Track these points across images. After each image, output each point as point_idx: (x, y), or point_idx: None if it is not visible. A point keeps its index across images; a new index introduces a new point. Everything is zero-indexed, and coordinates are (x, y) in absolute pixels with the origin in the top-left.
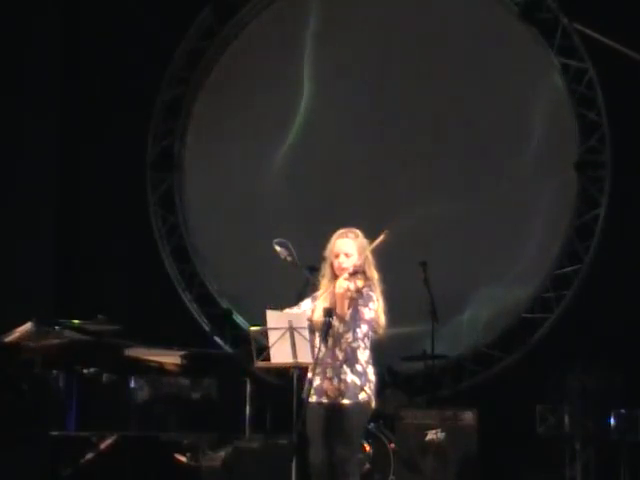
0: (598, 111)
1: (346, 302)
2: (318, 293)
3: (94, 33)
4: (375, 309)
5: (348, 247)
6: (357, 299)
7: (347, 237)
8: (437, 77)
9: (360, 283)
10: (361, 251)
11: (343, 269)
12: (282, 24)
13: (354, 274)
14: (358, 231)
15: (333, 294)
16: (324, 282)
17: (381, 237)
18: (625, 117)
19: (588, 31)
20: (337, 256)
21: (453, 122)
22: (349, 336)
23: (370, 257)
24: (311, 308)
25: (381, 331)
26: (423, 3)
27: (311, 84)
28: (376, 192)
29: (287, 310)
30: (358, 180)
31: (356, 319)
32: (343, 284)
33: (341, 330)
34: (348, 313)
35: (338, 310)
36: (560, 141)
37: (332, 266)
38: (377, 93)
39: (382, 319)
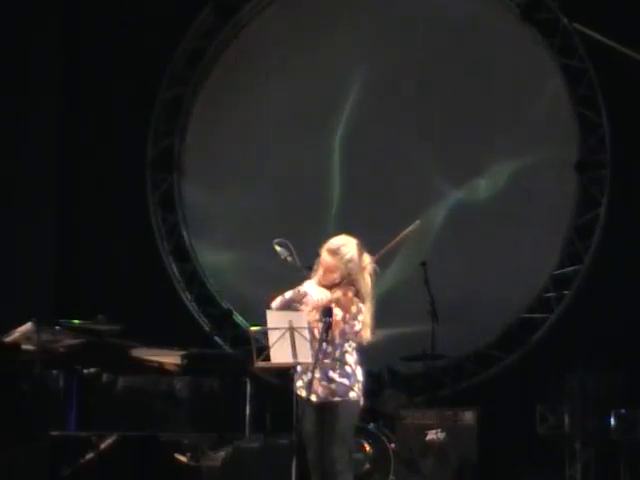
0: (598, 111)
1: (337, 328)
2: (302, 288)
3: (94, 33)
4: (362, 320)
5: (331, 265)
6: (350, 319)
7: (334, 255)
8: (437, 77)
9: (354, 308)
10: (344, 271)
11: (325, 280)
12: (282, 24)
13: (343, 287)
14: (352, 245)
15: (330, 302)
16: (316, 278)
17: (411, 227)
18: (625, 117)
19: (588, 31)
20: (320, 267)
21: (453, 122)
22: (337, 352)
23: (363, 267)
24: (303, 293)
25: (364, 342)
26: (423, 3)
27: (311, 83)
28: (377, 192)
29: (280, 298)
30: (359, 179)
31: (346, 332)
32: (338, 313)
33: (329, 350)
34: (337, 337)
35: (331, 332)
36: (560, 141)
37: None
38: (377, 94)
39: (367, 332)
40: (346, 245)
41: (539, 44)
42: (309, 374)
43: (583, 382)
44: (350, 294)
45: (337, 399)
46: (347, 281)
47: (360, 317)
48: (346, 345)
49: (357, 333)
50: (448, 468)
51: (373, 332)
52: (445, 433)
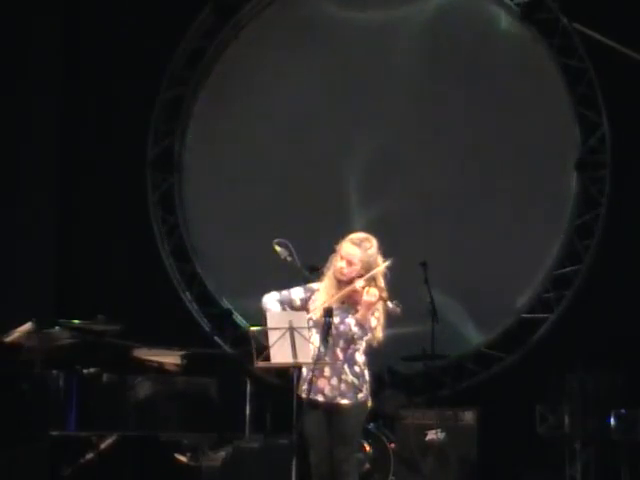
0: (598, 111)
1: (370, 310)
2: (313, 285)
3: (94, 33)
4: (377, 317)
5: (354, 256)
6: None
7: (358, 247)
8: (437, 77)
9: (383, 294)
10: (365, 265)
11: (342, 274)
12: (282, 24)
13: (367, 279)
14: (374, 241)
15: (349, 295)
16: (328, 274)
17: (384, 265)
18: (625, 117)
19: (588, 31)
20: (341, 259)
21: (452, 122)
22: (362, 341)
23: (382, 269)
24: (304, 298)
25: (375, 343)
26: (423, 3)
27: (311, 84)
28: (377, 193)
29: (276, 294)
30: (359, 180)
31: (367, 320)
32: (375, 292)
33: (356, 336)
34: (369, 320)
35: (361, 316)
36: (560, 141)
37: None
38: (378, 93)
39: (379, 332)
40: (369, 239)
41: (539, 44)
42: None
43: (583, 382)
44: (373, 284)
45: (345, 401)
46: (369, 277)
47: (377, 314)
48: (358, 343)
49: (373, 329)
50: (448, 468)
51: (383, 333)
52: (445, 433)
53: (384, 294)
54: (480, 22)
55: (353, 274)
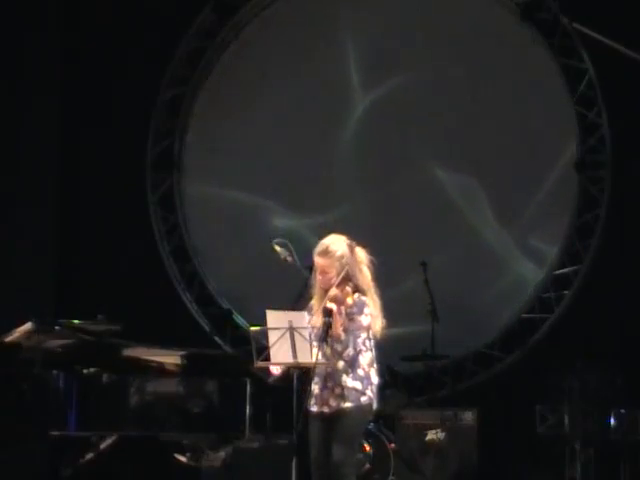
0: (598, 111)
1: (338, 323)
2: (312, 303)
3: (94, 33)
4: (369, 313)
5: (324, 267)
6: (350, 313)
7: (324, 257)
8: (436, 77)
9: (350, 300)
10: (338, 269)
11: (324, 284)
12: (281, 24)
13: (340, 285)
14: (340, 242)
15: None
16: (316, 286)
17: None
18: (625, 117)
19: (588, 31)
20: (316, 271)
21: (452, 122)
22: (349, 351)
23: (359, 261)
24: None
25: (378, 335)
26: (423, 3)
27: (312, 83)
28: (376, 192)
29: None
30: (358, 179)
31: (354, 329)
32: (331, 306)
33: (339, 349)
34: (342, 333)
35: (334, 333)
36: (560, 141)
37: None
38: (376, 92)
39: (377, 324)
40: (334, 243)
41: (539, 44)
42: (316, 387)
43: (583, 382)
44: (348, 289)
45: (348, 404)
46: (345, 277)
47: (367, 310)
48: (359, 344)
49: (368, 328)
50: (448, 468)
51: (383, 323)
52: (445, 433)
53: (345, 305)
54: (480, 22)
55: (332, 281)
